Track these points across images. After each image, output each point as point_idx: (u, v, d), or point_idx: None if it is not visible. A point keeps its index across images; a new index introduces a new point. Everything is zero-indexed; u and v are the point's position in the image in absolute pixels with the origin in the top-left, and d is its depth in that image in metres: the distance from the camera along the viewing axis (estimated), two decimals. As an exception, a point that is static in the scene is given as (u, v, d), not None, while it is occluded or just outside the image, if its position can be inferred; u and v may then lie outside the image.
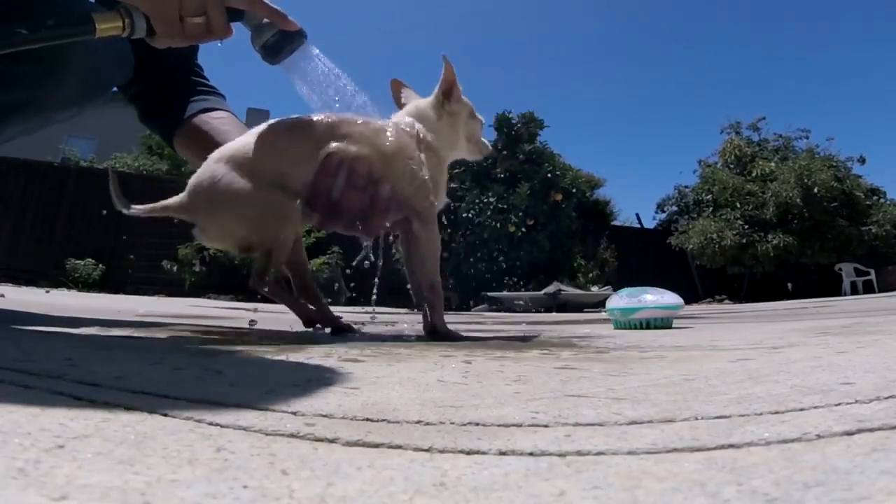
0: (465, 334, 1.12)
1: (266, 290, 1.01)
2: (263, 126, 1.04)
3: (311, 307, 1.14)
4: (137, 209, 1.03)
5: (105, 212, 7.89)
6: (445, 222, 7.53)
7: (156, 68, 1.20)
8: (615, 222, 12.73)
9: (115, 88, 1.24)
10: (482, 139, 1.24)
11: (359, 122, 1.05)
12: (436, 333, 1.05)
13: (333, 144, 1.00)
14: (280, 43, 0.98)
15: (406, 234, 1.09)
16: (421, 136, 1.08)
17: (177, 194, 1.08)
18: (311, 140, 1.01)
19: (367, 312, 1.79)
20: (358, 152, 1.01)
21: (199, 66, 1.32)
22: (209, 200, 0.98)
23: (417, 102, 1.16)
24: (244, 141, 1.01)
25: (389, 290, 1.11)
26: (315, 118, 1.04)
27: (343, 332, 1.11)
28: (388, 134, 1.04)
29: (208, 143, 1.13)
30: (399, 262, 1.17)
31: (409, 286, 1.13)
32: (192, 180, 1.00)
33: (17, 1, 0.89)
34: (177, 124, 1.23)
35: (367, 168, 1.01)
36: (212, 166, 0.99)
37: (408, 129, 1.08)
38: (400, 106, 1.20)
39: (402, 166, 1.03)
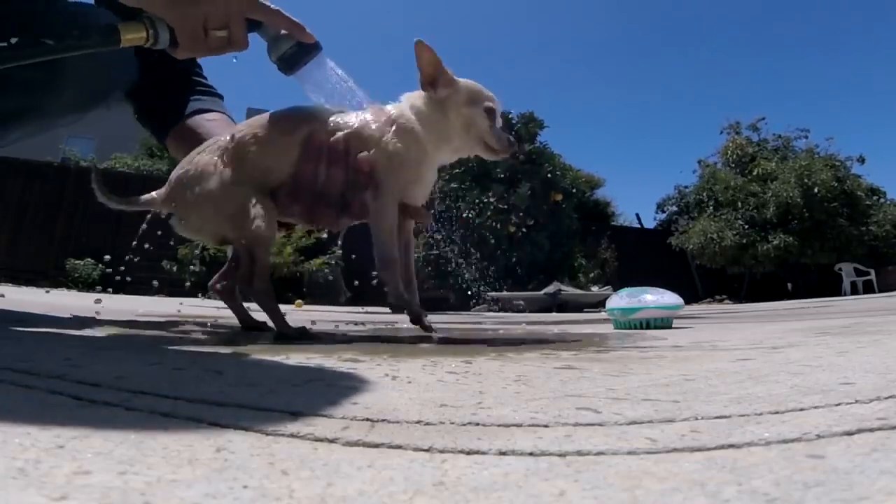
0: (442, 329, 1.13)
1: (254, 292, 1.02)
2: (245, 123, 1.08)
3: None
4: (119, 203, 1.09)
5: (105, 212, 7.91)
6: (443, 222, 7.53)
7: (158, 68, 1.18)
8: (615, 222, 12.72)
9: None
10: (491, 131, 1.07)
11: (330, 108, 1.07)
12: (395, 308, 1.07)
13: (307, 129, 1.03)
14: (298, 55, 1.00)
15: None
16: (397, 119, 1.05)
17: None
18: (289, 131, 1.04)
19: (367, 312, 1.79)
20: (331, 132, 1.03)
21: (198, 65, 1.32)
22: (188, 193, 1.01)
23: (410, 93, 1.11)
24: (227, 136, 1.05)
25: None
26: (290, 110, 1.07)
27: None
28: (351, 115, 1.06)
29: (198, 145, 1.13)
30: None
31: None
32: (174, 173, 1.06)
33: (27, 13, 0.90)
34: (171, 124, 1.23)
35: (343, 145, 1.03)
36: (193, 159, 1.03)
37: (382, 112, 1.07)
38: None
39: (370, 142, 1.03)
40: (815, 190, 9.67)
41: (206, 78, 1.32)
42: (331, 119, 1.05)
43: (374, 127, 1.04)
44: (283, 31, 0.99)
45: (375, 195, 1.03)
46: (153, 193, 1.07)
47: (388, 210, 1.04)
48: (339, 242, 1.33)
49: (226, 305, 1.16)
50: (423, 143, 1.05)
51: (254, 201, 1.00)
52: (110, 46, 0.83)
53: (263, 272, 1.02)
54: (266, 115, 1.08)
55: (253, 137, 1.03)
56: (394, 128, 1.04)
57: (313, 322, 1.54)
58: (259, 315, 1.11)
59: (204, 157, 1.03)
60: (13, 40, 0.77)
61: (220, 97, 1.31)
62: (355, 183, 1.03)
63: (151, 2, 0.83)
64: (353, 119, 1.06)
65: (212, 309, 2.53)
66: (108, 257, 6.22)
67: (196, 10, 0.85)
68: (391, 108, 1.08)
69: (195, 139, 1.15)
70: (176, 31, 0.85)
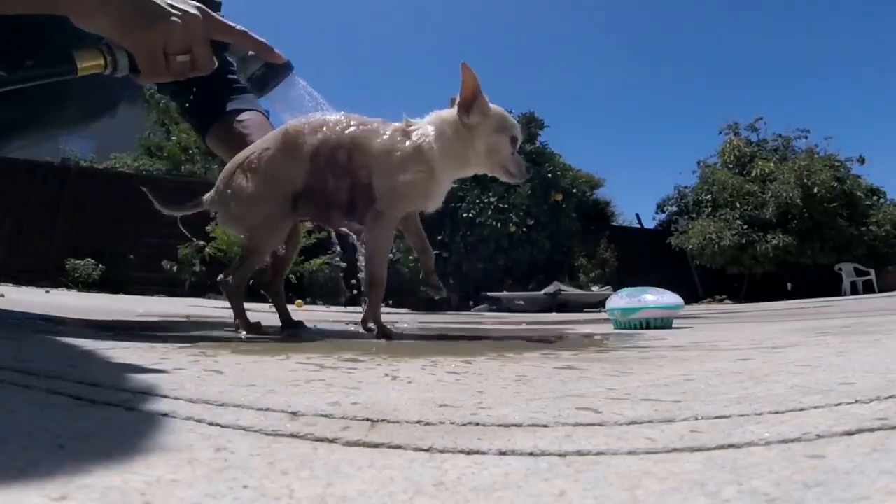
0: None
1: (225, 284, 1.10)
2: (271, 133, 1.12)
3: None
4: (179, 210, 1.17)
5: (105, 212, 7.92)
6: (443, 222, 7.53)
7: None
8: (615, 222, 12.72)
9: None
10: (511, 158, 1.11)
11: (346, 120, 1.09)
12: (366, 324, 1.10)
13: (316, 140, 1.07)
14: (266, 76, 1.00)
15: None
16: (419, 142, 1.07)
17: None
18: (303, 142, 1.07)
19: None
20: (337, 144, 1.06)
21: (232, 62, 1.33)
22: (224, 201, 1.10)
23: (442, 112, 1.12)
24: (257, 146, 1.10)
25: (390, 290, 1.11)
26: (306, 121, 1.09)
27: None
28: (376, 130, 1.08)
29: (235, 144, 1.18)
30: (398, 263, 1.18)
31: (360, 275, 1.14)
32: (220, 176, 1.12)
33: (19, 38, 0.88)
34: (210, 123, 1.27)
35: (345, 157, 1.06)
36: (231, 170, 1.10)
37: (404, 133, 1.08)
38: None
39: (382, 161, 1.05)
40: (815, 190, 9.66)
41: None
42: (346, 129, 1.07)
43: (386, 144, 1.06)
44: (251, 53, 0.97)
45: (375, 221, 1.06)
46: (205, 196, 1.14)
47: (385, 237, 1.08)
48: (337, 247, 1.35)
49: (271, 303, 1.24)
50: (436, 168, 1.07)
51: (272, 218, 1.07)
52: (66, 76, 0.80)
53: (245, 274, 1.12)
54: (283, 127, 1.11)
55: (272, 150, 1.08)
56: (413, 151, 1.05)
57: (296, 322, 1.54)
58: (266, 316, 1.13)
59: (240, 169, 1.09)
60: None
61: (255, 95, 1.33)
62: (360, 191, 1.07)
63: (106, 27, 0.80)
64: (371, 130, 1.08)
65: (212, 309, 2.53)
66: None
67: (153, 35, 0.81)
68: (418, 128, 1.09)
69: (232, 139, 1.19)
70: (136, 58, 0.83)
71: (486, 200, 7.84)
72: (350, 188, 1.07)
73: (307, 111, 1.08)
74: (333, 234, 1.25)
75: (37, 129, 1.11)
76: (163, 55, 0.84)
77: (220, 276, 1.11)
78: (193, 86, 1.24)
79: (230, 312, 1.17)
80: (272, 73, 1.00)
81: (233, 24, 0.92)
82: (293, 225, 1.16)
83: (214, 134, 1.26)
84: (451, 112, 1.10)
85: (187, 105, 1.30)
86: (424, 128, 1.08)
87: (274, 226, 1.09)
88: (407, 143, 1.06)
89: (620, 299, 1.49)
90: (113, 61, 0.82)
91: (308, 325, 1.28)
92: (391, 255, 1.08)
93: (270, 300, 1.23)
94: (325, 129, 1.07)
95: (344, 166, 1.06)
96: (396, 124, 1.10)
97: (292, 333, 1.15)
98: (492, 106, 1.10)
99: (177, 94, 1.30)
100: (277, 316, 1.23)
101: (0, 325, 1.06)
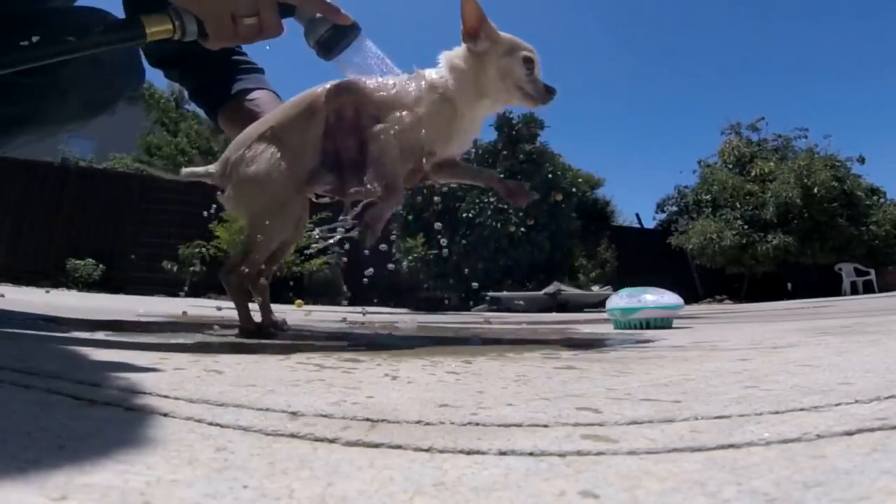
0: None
1: (229, 282, 1.04)
2: (279, 108, 1.09)
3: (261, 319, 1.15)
4: (184, 173, 1.13)
5: (105, 212, 7.92)
6: (443, 222, 7.53)
7: (197, 52, 1.20)
8: (615, 222, 12.72)
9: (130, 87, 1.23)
10: (528, 79, 1.06)
11: (359, 79, 1.06)
12: (373, 227, 0.96)
13: (331, 103, 1.03)
14: (334, 38, 0.98)
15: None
16: (430, 79, 1.04)
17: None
18: (312, 108, 1.04)
19: (367, 312, 1.80)
20: (344, 101, 1.03)
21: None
22: (232, 178, 1.05)
23: (448, 51, 1.09)
24: (268, 121, 1.06)
25: (389, 291, 1.10)
26: (316, 88, 1.06)
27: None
28: (386, 85, 1.05)
29: (248, 123, 1.16)
30: (398, 263, 1.16)
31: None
32: (224, 154, 1.08)
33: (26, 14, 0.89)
34: (219, 103, 1.26)
35: (352, 112, 1.02)
36: (240, 146, 1.06)
37: (415, 78, 1.05)
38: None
39: (392, 107, 1.01)
40: (815, 190, 9.66)
41: (245, 54, 1.31)
42: (357, 87, 1.04)
43: (396, 92, 1.03)
44: (318, 14, 0.96)
45: (373, 137, 0.99)
46: (209, 167, 1.11)
47: (386, 145, 0.98)
48: (340, 247, 1.29)
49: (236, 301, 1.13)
50: (455, 99, 1.04)
51: (285, 199, 1.02)
52: (136, 41, 0.80)
53: (250, 266, 1.06)
54: (291, 100, 1.08)
55: (283, 125, 1.05)
56: (426, 88, 1.03)
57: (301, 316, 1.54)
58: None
59: (255, 146, 1.05)
60: (34, 39, 0.75)
61: (262, 71, 1.32)
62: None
63: None
64: (380, 84, 1.05)
65: (213, 310, 2.53)
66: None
67: None
68: (428, 72, 1.06)
69: (244, 118, 1.17)
70: (204, 22, 0.83)
71: (485, 200, 7.83)
72: (360, 145, 1.01)
73: (375, 74, 1.04)
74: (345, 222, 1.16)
75: (39, 125, 1.11)
76: (231, 18, 0.83)
77: (222, 271, 1.05)
78: (200, 68, 1.24)
79: (231, 313, 1.17)
80: (340, 34, 0.97)
81: None
82: (301, 209, 1.11)
83: (225, 115, 1.25)
84: (459, 47, 1.07)
85: (195, 88, 1.29)
86: (434, 70, 1.06)
87: (284, 208, 1.03)
88: (417, 84, 1.03)
89: (620, 299, 1.49)
90: (181, 26, 0.82)
91: (309, 323, 1.25)
92: (393, 255, 1.03)
93: (254, 293, 1.14)
94: (339, 90, 1.04)
95: (352, 123, 1.02)
96: (410, 77, 1.06)
97: (268, 334, 1.08)
98: (502, 33, 1.07)
99: (184, 78, 1.29)
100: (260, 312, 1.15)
101: (0, 325, 1.06)
